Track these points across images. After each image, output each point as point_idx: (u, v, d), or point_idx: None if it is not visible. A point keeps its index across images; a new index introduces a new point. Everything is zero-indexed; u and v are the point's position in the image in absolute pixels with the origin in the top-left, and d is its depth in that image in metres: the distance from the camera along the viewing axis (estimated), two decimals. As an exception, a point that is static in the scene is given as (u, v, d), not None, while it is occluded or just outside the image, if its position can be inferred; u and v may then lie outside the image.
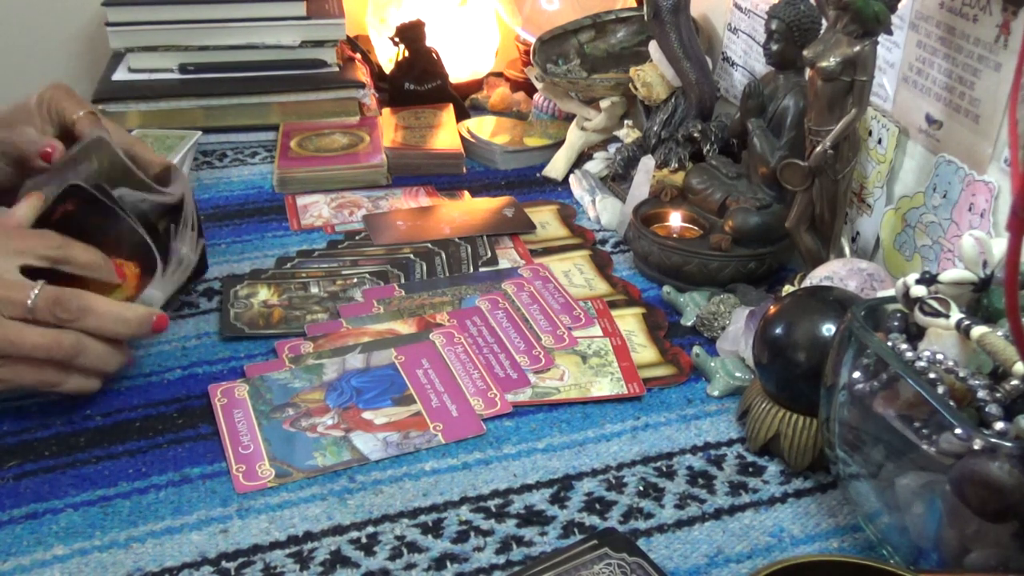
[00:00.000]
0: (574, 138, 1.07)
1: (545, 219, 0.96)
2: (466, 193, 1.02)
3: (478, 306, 0.80)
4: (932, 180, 0.72)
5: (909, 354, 0.50)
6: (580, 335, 0.76)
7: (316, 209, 0.97)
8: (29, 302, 0.62)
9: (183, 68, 1.13)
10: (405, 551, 0.56)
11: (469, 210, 0.97)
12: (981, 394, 0.47)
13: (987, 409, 0.47)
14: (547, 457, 0.64)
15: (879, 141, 0.78)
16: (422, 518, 0.59)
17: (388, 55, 1.25)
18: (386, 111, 1.18)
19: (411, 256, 0.88)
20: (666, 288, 0.82)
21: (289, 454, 0.63)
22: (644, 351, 0.75)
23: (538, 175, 1.07)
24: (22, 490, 0.60)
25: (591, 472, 0.63)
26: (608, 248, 0.92)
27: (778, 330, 0.62)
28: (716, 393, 0.70)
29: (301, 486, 0.61)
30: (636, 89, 0.98)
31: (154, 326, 0.67)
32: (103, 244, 0.68)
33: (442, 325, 0.77)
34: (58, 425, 0.66)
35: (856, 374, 0.52)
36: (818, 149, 0.70)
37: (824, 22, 0.70)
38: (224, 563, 0.55)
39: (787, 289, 0.75)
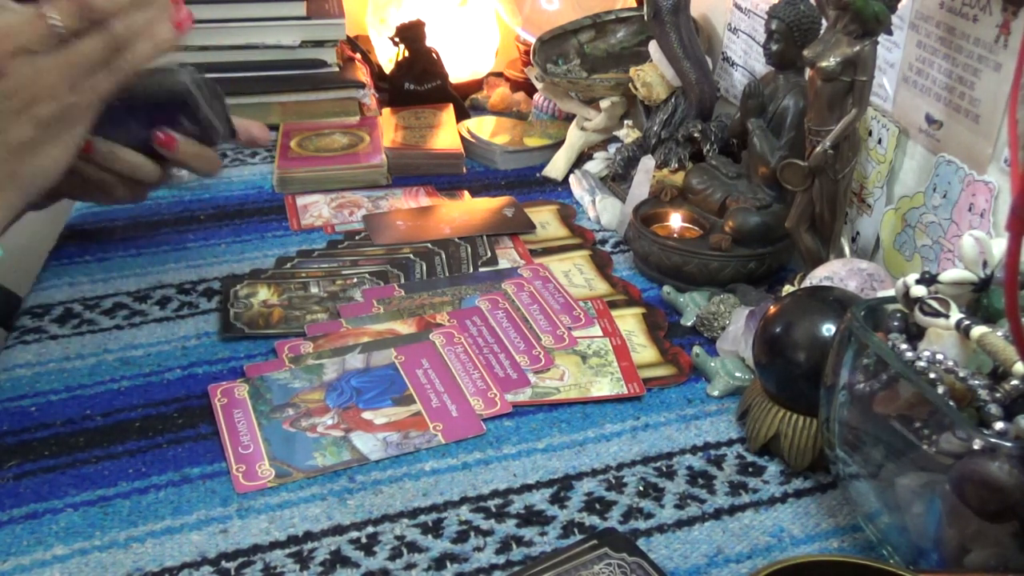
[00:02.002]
0: (574, 138, 1.07)
1: (545, 219, 0.96)
2: (466, 193, 1.02)
3: (478, 306, 0.80)
4: (932, 180, 0.72)
5: (909, 354, 0.50)
6: (580, 335, 0.76)
7: (316, 209, 0.97)
8: (52, 20, 0.59)
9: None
10: (405, 551, 0.56)
11: (469, 210, 0.97)
12: (981, 394, 0.47)
13: (987, 409, 0.47)
14: (547, 457, 0.64)
15: (879, 141, 0.78)
16: (422, 518, 0.59)
17: (388, 55, 1.25)
18: (386, 111, 1.18)
19: (411, 256, 0.88)
20: (666, 288, 0.82)
21: (289, 454, 0.63)
22: (644, 351, 0.75)
23: (538, 175, 1.07)
24: (22, 490, 0.60)
25: (591, 472, 0.63)
26: (608, 248, 0.92)
27: (778, 330, 0.62)
28: (716, 393, 0.70)
29: (301, 486, 0.61)
30: (636, 89, 0.98)
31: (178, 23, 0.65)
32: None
33: (442, 325, 0.77)
34: (58, 425, 0.66)
35: (856, 374, 0.52)
36: (818, 149, 0.70)
37: (824, 22, 0.70)
38: (224, 563, 0.55)
39: (787, 289, 0.75)
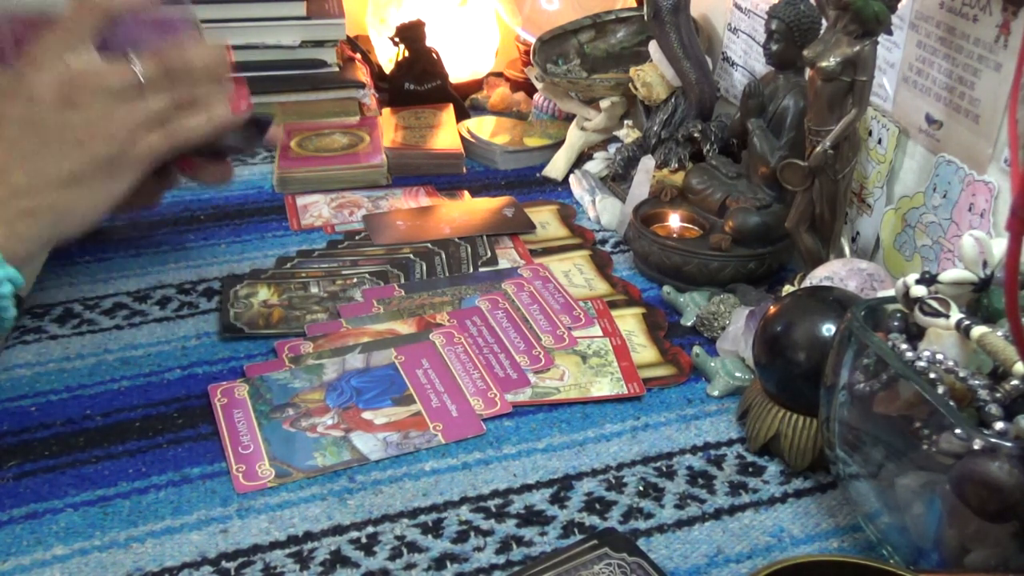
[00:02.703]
0: (574, 138, 1.07)
1: (545, 219, 0.96)
2: (466, 193, 1.02)
3: (478, 306, 0.80)
4: (932, 180, 0.72)
5: (909, 354, 0.50)
6: (580, 335, 0.76)
7: (316, 209, 0.97)
8: (138, 72, 0.62)
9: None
10: (405, 551, 0.56)
11: (469, 210, 0.97)
12: (981, 394, 0.47)
13: (987, 409, 0.47)
14: (547, 457, 0.64)
15: (879, 141, 0.78)
16: (422, 518, 0.59)
17: (388, 55, 1.25)
18: (386, 111, 1.18)
19: (411, 256, 0.88)
20: (666, 288, 0.82)
21: (289, 454, 0.63)
22: (644, 351, 0.75)
23: (538, 175, 1.07)
24: (22, 490, 0.60)
25: (591, 472, 0.63)
26: (608, 248, 0.92)
27: (778, 330, 0.62)
28: (716, 393, 0.70)
29: (301, 486, 0.61)
30: (636, 89, 0.98)
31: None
32: None
33: (442, 325, 0.77)
34: (58, 425, 0.66)
35: (856, 374, 0.52)
36: (818, 149, 0.70)
37: (824, 22, 0.70)
38: (224, 563, 0.55)
39: (787, 289, 0.75)
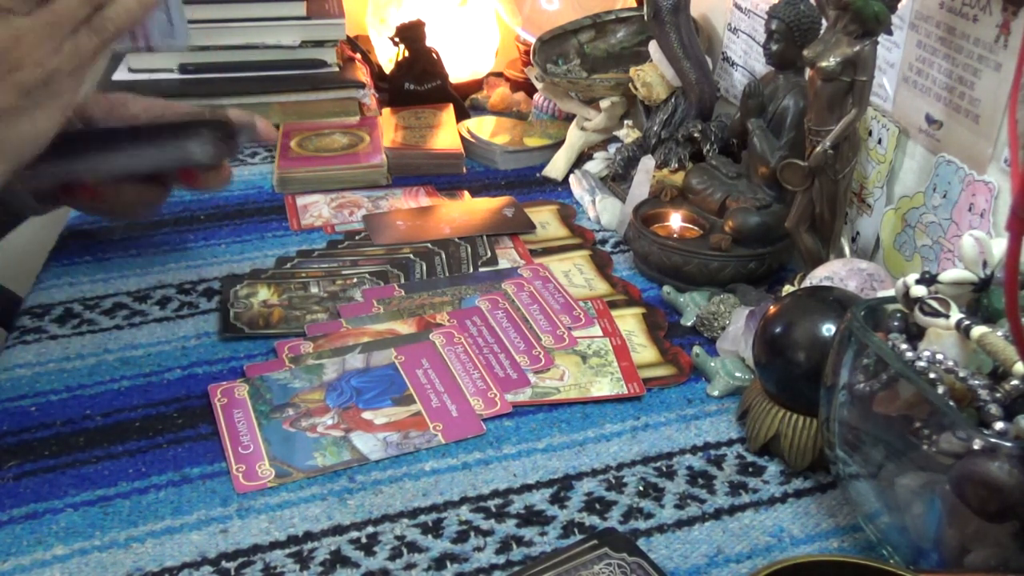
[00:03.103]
0: (574, 138, 1.07)
1: (545, 219, 0.96)
2: (466, 193, 1.02)
3: (478, 306, 0.80)
4: (932, 180, 0.72)
5: (909, 354, 0.50)
6: (580, 335, 0.76)
7: (316, 209, 0.97)
8: None
9: (183, 68, 1.13)
10: (405, 551, 0.56)
11: (469, 210, 0.97)
12: (981, 394, 0.47)
13: (987, 409, 0.47)
14: (547, 457, 0.64)
15: (879, 141, 0.78)
16: (422, 518, 0.59)
17: (388, 55, 1.25)
18: (386, 111, 1.18)
19: (411, 256, 0.88)
20: (666, 288, 0.82)
21: (289, 454, 0.63)
22: (644, 351, 0.75)
23: (538, 175, 1.07)
24: (22, 490, 0.60)
25: (591, 472, 0.63)
26: (608, 248, 0.92)
27: (778, 330, 0.62)
28: (716, 393, 0.70)
29: (301, 486, 0.61)
30: (636, 89, 0.98)
31: None
32: None
33: (442, 325, 0.77)
34: (58, 425, 0.66)
35: (856, 374, 0.52)
36: (818, 149, 0.70)
37: (824, 22, 0.70)
38: (224, 563, 0.55)
39: (787, 289, 0.75)
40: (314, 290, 0.82)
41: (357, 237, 0.92)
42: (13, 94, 0.57)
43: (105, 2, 0.60)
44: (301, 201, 0.99)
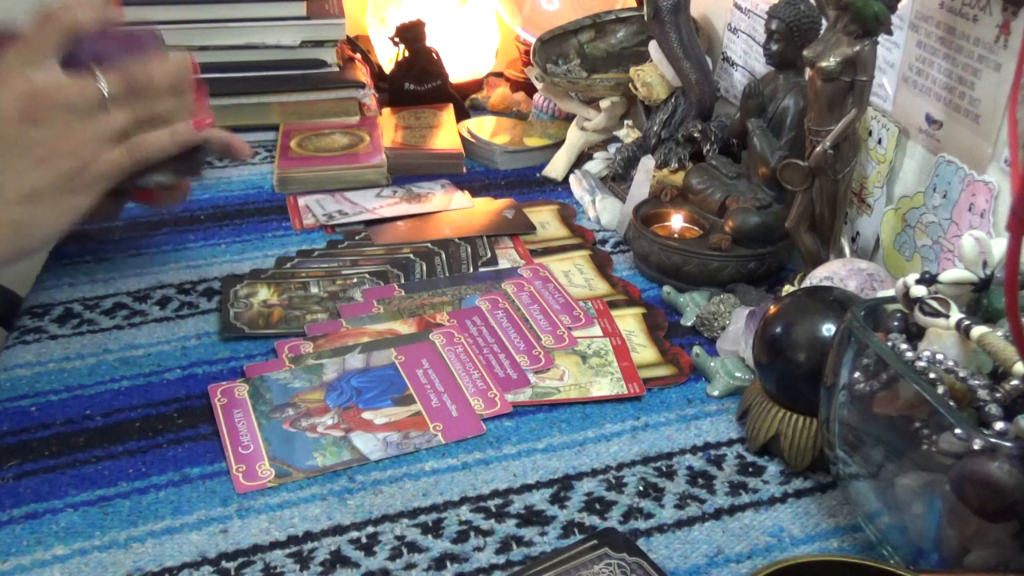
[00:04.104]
0: (574, 138, 1.07)
1: (545, 219, 0.96)
2: (466, 193, 1.02)
3: (478, 306, 0.80)
4: (932, 180, 0.72)
5: (909, 354, 0.50)
6: (580, 335, 0.76)
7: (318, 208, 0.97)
8: (103, 88, 0.62)
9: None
10: (405, 551, 0.56)
11: (470, 211, 0.97)
12: (981, 394, 0.47)
13: (987, 409, 0.47)
14: (547, 457, 0.64)
15: (879, 141, 0.78)
16: (422, 518, 0.59)
17: (388, 55, 1.25)
18: (386, 111, 1.18)
19: (411, 256, 0.88)
20: (666, 288, 0.82)
21: (289, 454, 0.63)
22: (644, 351, 0.75)
23: (538, 175, 1.07)
24: (22, 490, 0.60)
25: (591, 472, 0.63)
26: (608, 248, 0.92)
27: (778, 330, 0.62)
28: (716, 393, 0.70)
29: (301, 486, 0.61)
30: (636, 89, 0.98)
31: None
32: None
33: (442, 325, 0.77)
34: (58, 425, 0.66)
35: (856, 374, 0.52)
36: (818, 149, 0.70)
37: (824, 22, 0.70)
38: (224, 563, 0.55)
39: (787, 289, 0.75)
40: (314, 290, 0.82)
41: (357, 237, 0.92)
42: (48, 178, 0.61)
43: (147, 124, 0.65)
44: (303, 201, 0.98)
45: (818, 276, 0.70)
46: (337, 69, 1.16)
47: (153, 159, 0.66)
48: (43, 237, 0.63)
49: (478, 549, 0.57)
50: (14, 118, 0.60)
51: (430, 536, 0.57)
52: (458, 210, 0.97)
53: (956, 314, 0.50)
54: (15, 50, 0.62)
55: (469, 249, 0.89)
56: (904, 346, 0.50)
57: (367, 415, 0.67)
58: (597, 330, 0.77)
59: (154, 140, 0.66)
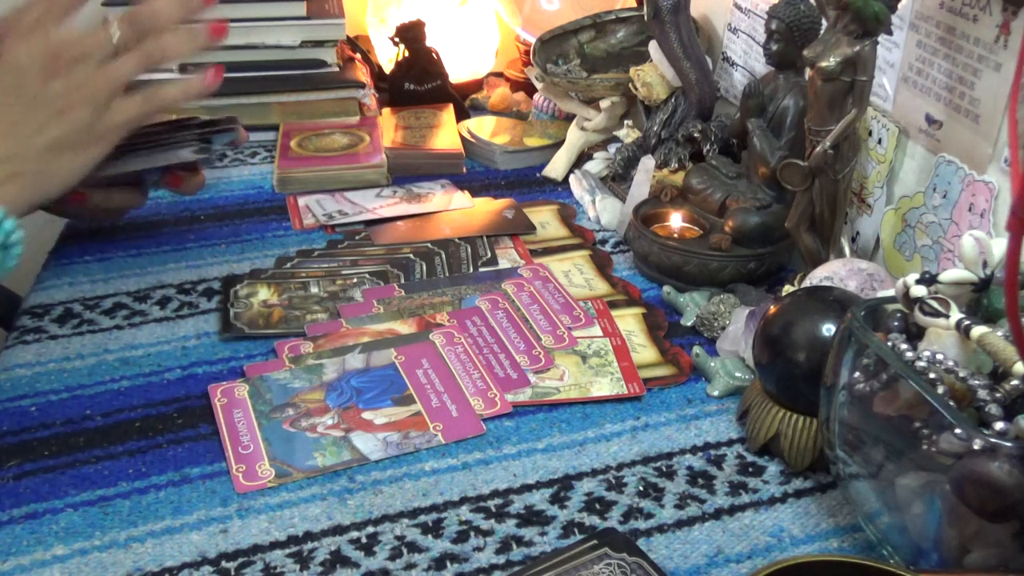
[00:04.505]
0: (574, 138, 1.07)
1: (545, 219, 0.96)
2: (466, 193, 1.02)
3: (478, 306, 0.80)
4: (932, 180, 0.72)
5: (909, 354, 0.50)
6: (580, 335, 0.76)
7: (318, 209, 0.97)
8: (114, 39, 0.66)
9: (183, 68, 1.13)
10: (405, 551, 0.56)
11: (469, 212, 0.97)
12: (981, 394, 0.47)
13: (987, 409, 0.47)
14: (547, 457, 0.64)
15: (879, 141, 0.78)
16: (422, 518, 0.59)
17: (388, 55, 1.25)
18: (386, 111, 1.18)
19: (411, 256, 0.88)
20: (666, 288, 0.82)
21: (289, 454, 0.63)
22: (644, 351, 0.75)
23: (538, 175, 1.07)
24: (22, 490, 0.60)
25: (591, 472, 0.63)
26: (608, 248, 0.92)
27: (778, 330, 0.62)
28: (716, 393, 0.70)
29: (301, 486, 0.61)
30: (636, 89, 0.98)
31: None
32: None
33: (442, 325, 0.77)
34: (58, 425, 0.66)
35: (856, 374, 0.52)
36: (818, 149, 0.70)
37: (824, 22, 0.70)
38: (224, 563, 0.55)
39: (787, 289, 0.75)
40: (314, 290, 0.82)
41: (357, 237, 0.92)
42: (66, 128, 0.65)
43: (154, 62, 0.69)
44: (303, 201, 0.98)
45: (818, 276, 0.70)
46: (337, 69, 1.16)
47: (168, 107, 0.70)
48: (62, 184, 0.67)
49: (478, 549, 0.57)
50: (36, 74, 0.63)
51: (430, 536, 0.57)
52: (458, 210, 0.97)
53: (956, 314, 0.50)
54: (34, 6, 0.65)
55: (469, 249, 0.89)
56: (904, 346, 0.50)
57: (367, 415, 0.67)
58: (597, 330, 0.77)
59: (168, 93, 0.70)
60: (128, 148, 0.75)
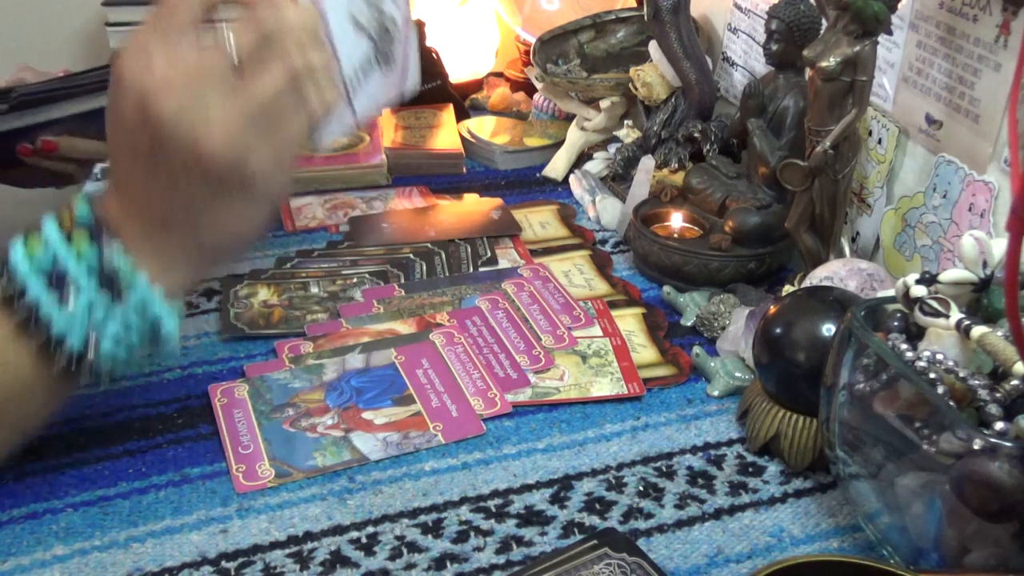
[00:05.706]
0: (574, 138, 1.07)
1: (545, 219, 0.96)
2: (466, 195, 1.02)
3: (478, 306, 0.80)
4: (932, 180, 0.72)
5: (909, 354, 0.50)
6: (580, 335, 0.76)
7: (310, 211, 0.97)
8: (233, 55, 0.51)
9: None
10: (405, 551, 0.56)
11: (456, 213, 0.96)
12: (981, 394, 0.47)
13: (987, 409, 0.47)
14: (547, 457, 0.64)
15: (879, 141, 0.78)
16: (422, 518, 0.59)
17: (388, 55, 1.25)
18: (386, 111, 1.18)
19: (411, 256, 0.88)
20: (666, 288, 0.82)
21: (289, 454, 0.63)
22: (644, 351, 0.75)
23: (538, 175, 1.07)
24: (22, 490, 0.60)
25: (591, 472, 0.63)
26: (608, 248, 0.92)
27: (778, 330, 0.62)
28: (716, 393, 0.70)
29: (301, 486, 0.61)
30: (636, 89, 0.98)
31: None
32: None
33: (442, 325, 0.77)
34: (58, 425, 0.66)
35: (856, 374, 0.52)
36: (818, 149, 0.70)
37: (824, 22, 0.70)
38: (224, 563, 0.55)
39: (787, 289, 0.75)
40: (314, 290, 0.82)
41: (340, 247, 0.91)
42: (273, 158, 0.53)
43: (305, 75, 0.53)
44: (295, 203, 0.98)
45: (818, 276, 0.70)
46: (337, 69, 1.16)
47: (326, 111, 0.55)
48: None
49: (478, 549, 0.57)
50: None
51: (430, 536, 0.57)
52: (445, 210, 0.96)
53: (956, 314, 0.50)
54: (153, 22, 0.51)
55: (469, 249, 0.89)
56: (904, 346, 0.50)
57: (367, 415, 0.67)
58: (597, 330, 0.77)
59: (323, 95, 0.54)
60: (96, 86, 0.73)
